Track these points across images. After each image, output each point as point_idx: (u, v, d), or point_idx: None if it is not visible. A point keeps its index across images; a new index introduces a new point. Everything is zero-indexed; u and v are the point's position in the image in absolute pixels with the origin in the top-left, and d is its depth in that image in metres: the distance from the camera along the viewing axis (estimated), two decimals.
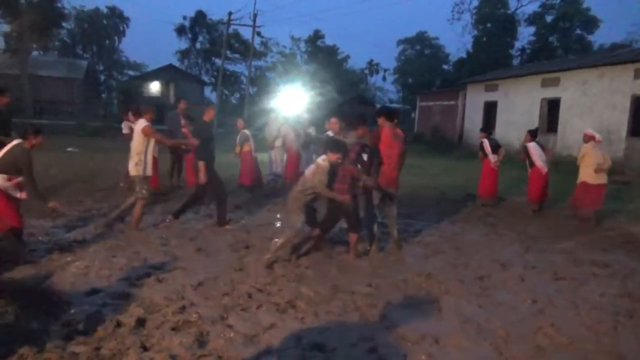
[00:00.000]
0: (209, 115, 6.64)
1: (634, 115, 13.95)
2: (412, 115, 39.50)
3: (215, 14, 75.63)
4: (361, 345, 3.31)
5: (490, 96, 20.09)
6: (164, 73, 42.20)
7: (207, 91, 49.07)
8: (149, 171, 6.00)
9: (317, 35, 40.22)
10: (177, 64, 47.69)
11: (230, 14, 27.26)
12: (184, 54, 51.49)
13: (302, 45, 40.30)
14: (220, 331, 3.43)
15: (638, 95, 13.72)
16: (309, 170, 5.03)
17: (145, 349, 3.13)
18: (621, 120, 14.06)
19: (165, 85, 42.56)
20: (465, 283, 4.71)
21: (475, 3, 39.67)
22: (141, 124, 5.97)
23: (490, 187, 8.89)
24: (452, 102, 23.17)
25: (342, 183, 5.18)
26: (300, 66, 34.93)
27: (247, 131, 9.27)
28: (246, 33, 36.97)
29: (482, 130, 9.43)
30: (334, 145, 4.89)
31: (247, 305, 3.92)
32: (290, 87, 27.54)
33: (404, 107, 47.30)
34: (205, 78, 49.36)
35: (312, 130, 10.49)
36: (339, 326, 3.62)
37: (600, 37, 36.22)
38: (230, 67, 48.68)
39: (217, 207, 6.52)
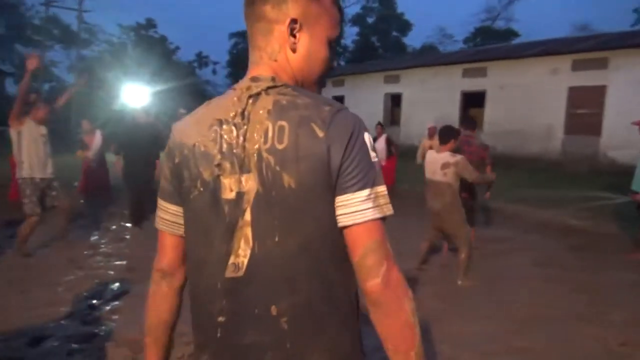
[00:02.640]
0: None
1: (463, 108, 16.26)
2: None
3: None
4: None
5: (338, 91, 21.29)
6: None
7: (9, 83, 41.88)
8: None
9: (149, 24, 37.37)
10: None
11: None
12: None
13: (133, 34, 37.05)
14: None
15: (466, 91, 16.01)
16: (444, 172, 4.51)
17: None
18: (454, 113, 16.25)
19: None
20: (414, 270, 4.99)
21: None
22: None
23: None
24: None
25: None
26: (132, 57, 32.11)
27: (98, 132, 8.37)
28: (67, 18, 32.63)
29: None
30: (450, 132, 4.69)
31: None
32: (121, 79, 25.16)
33: None
34: (2, 67, 42.06)
35: None
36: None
37: (410, 40, 41.00)
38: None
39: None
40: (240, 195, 0.94)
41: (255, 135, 0.94)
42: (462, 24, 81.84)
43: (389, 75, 18.85)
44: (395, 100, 18.75)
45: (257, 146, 0.93)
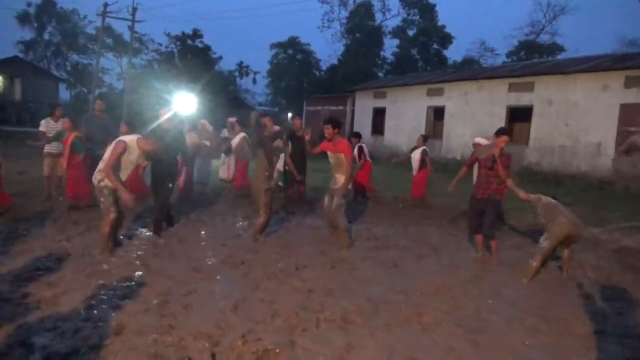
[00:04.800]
0: None
1: (509, 123, 16.04)
2: (283, 118, 40.26)
3: (66, 3, 68.76)
4: (449, 358, 3.35)
5: (379, 103, 21.38)
6: (8, 66, 36.68)
7: (62, 88, 44.15)
8: None
9: (195, 35, 38.53)
10: (20, 56, 42.06)
11: (106, 5, 24.88)
12: (28, 46, 45.76)
13: (179, 44, 38.32)
14: (309, 356, 3.19)
15: (512, 106, 15.80)
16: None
17: None
18: (498, 127, 16.02)
19: (9, 80, 37.15)
20: (461, 280, 5.02)
21: (345, 14, 42.03)
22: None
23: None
24: (341, 108, 24.15)
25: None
26: (178, 66, 33.22)
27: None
28: (119, 27, 34.33)
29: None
30: None
31: (306, 326, 3.68)
32: (167, 87, 26.07)
33: (272, 110, 47.91)
34: (57, 73, 44.44)
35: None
36: (414, 339, 3.59)
37: (450, 53, 40.74)
38: (87, 61, 44.83)
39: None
40: None
41: None
42: (504, 37, 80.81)
43: (432, 88, 18.80)
44: (438, 114, 18.67)
45: None
